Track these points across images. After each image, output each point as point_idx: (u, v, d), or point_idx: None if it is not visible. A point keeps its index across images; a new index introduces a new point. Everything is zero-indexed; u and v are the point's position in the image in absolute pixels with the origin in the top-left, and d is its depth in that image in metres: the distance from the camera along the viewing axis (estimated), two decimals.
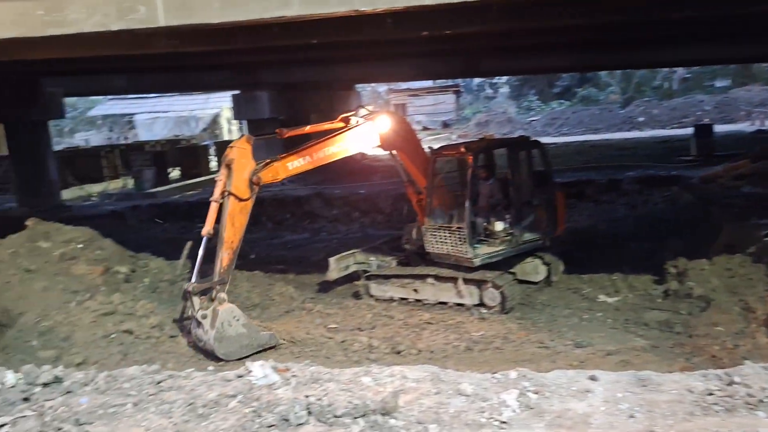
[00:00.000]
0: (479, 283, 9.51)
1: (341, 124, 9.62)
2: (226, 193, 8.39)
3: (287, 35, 8.82)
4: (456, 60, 22.05)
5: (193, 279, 8.30)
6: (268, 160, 8.86)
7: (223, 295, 8.25)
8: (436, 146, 11.00)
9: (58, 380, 4.80)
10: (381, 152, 11.23)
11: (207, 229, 8.33)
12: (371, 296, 10.44)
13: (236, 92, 24.82)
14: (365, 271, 10.77)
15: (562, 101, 47.62)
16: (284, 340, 8.71)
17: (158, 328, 8.95)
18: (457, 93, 49.41)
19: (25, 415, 4.24)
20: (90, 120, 48.48)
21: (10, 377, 4.76)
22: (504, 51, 20.03)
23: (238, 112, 25.14)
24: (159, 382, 4.71)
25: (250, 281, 11.15)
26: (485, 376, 4.33)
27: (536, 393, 4.00)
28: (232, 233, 8.41)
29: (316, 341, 8.57)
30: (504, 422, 3.67)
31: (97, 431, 3.96)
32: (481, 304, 9.50)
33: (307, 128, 9.85)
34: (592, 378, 4.28)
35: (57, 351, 8.28)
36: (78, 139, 44.27)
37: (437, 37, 11.05)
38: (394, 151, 10.40)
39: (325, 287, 11.28)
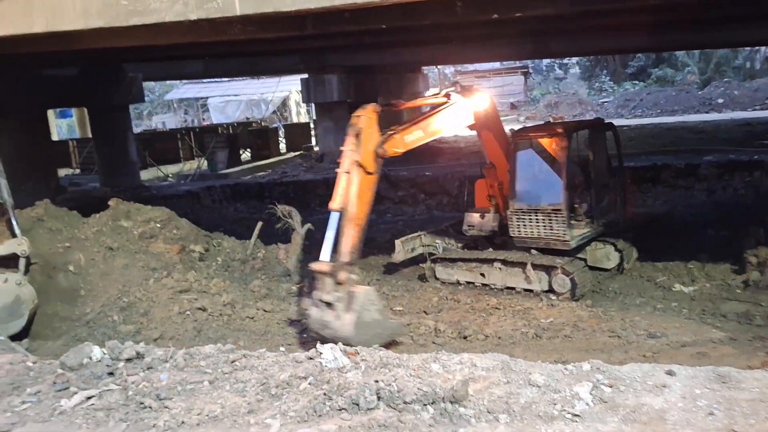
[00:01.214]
0: (548, 269, 9.35)
1: (444, 100, 9.26)
2: (356, 165, 7.72)
3: (356, 21, 8.82)
4: (525, 41, 21.54)
5: (325, 257, 7.50)
6: (389, 132, 8.27)
7: (355, 276, 7.52)
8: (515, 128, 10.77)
9: (139, 356, 5.03)
10: (445, 134, 11.05)
11: (339, 202, 7.57)
12: (437, 279, 10.45)
13: (305, 76, 25.18)
14: (431, 254, 10.77)
15: (636, 82, 45.75)
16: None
17: (230, 306, 9.24)
18: (526, 74, 48.29)
19: (111, 389, 4.47)
20: (166, 103, 50.24)
21: (96, 352, 5.02)
22: (576, 31, 19.39)
23: (308, 95, 25.51)
24: (233, 361, 4.86)
25: None
26: (557, 366, 4.26)
27: (610, 386, 3.91)
28: (360, 209, 7.66)
29: None
30: (576, 415, 3.60)
31: (176, 407, 4.12)
32: (551, 291, 9.35)
33: (418, 101, 9.73)
34: (669, 373, 4.13)
35: (136, 326, 8.68)
36: (155, 122, 45.98)
37: (507, 19, 10.81)
38: (478, 132, 10.19)
39: (391, 269, 11.35)
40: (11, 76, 16.16)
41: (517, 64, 45.97)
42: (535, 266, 9.42)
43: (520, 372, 4.17)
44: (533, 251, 9.69)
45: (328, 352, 4.57)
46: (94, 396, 4.32)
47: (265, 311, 9.23)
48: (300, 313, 8.23)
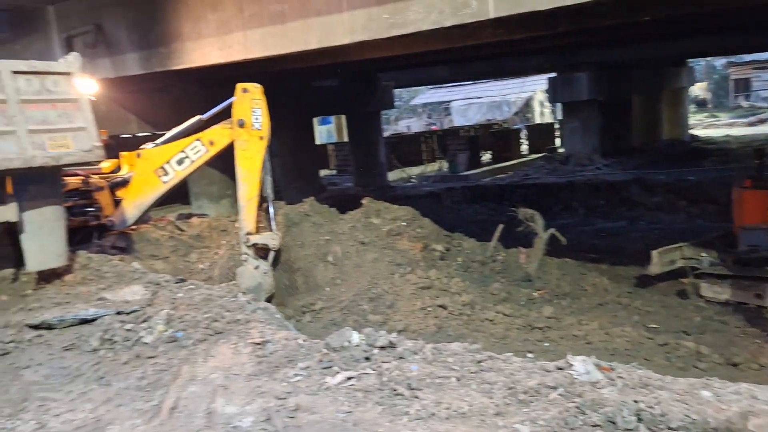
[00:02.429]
0: None
1: None
2: None
3: (616, 14, 8.28)
4: None
5: None
6: None
7: None
8: None
9: (392, 345, 5.30)
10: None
11: None
12: (701, 297, 9.41)
13: (553, 75, 24.56)
14: (694, 268, 9.70)
15: None
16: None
17: (469, 306, 9.31)
18: None
19: (367, 372, 4.78)
20: (412, 108, 53.03)
21: (355, 337, 5.41)
22: None
23: (554, 95, 24.85)
24: (479, 361, 4.86)
25: (561, 269, 10.95)
26: None
27: None
28: None
29: (634, 340, 8.01)
30: None
31: (426, 398, 4.25)
32: None
33: None
34: None
35: (383, 317, 9.19)
36: (401, 126, 48.78)
37: None
38: None
39: (645, 282, 10.49)
40: (288, 87, 18.44)
41: None
42: None
43: None
44: None
45: (580, 365, 4.34)
46: (353, 377, 4.66)
47: (505, 315, 9.15)
48: None
